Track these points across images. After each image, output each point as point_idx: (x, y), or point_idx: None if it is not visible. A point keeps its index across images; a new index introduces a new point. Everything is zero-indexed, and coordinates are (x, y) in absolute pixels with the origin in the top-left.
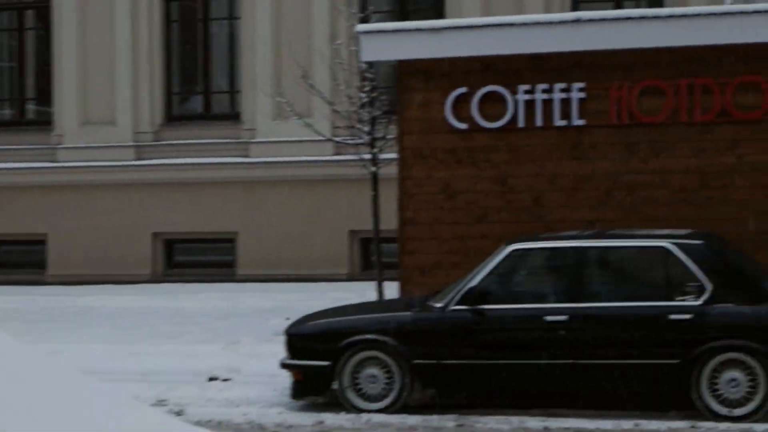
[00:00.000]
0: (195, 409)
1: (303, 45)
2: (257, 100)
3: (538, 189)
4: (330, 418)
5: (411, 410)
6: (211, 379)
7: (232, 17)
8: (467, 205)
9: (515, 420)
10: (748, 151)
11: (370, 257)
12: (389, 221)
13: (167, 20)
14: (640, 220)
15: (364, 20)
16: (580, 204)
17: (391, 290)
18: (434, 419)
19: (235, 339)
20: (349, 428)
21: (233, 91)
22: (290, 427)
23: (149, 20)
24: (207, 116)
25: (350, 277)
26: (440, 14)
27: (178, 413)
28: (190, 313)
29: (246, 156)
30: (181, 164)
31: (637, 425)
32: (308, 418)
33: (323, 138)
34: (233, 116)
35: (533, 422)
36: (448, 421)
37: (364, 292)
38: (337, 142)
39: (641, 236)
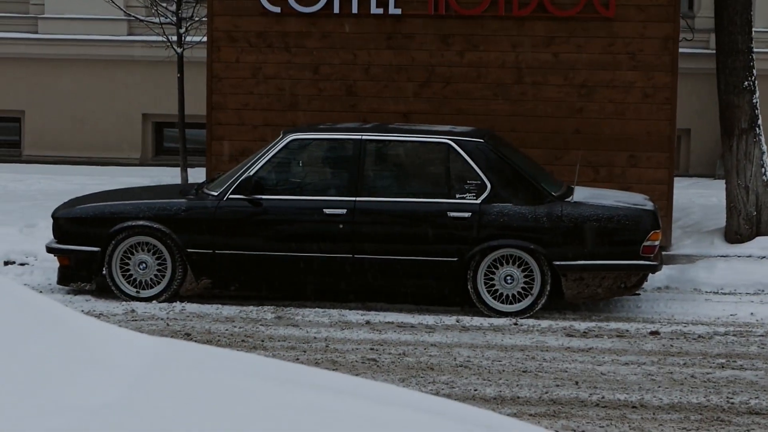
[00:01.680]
0: None
1: None
2: None
3: (351, 78)
4: (141, 307)
5: (224, 300)
6: (7, 263)
7: None
8: (278, 92)
9: (335, 313)
10: (563, 49)
11: (163, 142)
12: (191, 106)
13: None
14: (454, 114)
15: None
16: (394, 95)
17: (197, 177)
18: (251, 311)
19: (31, 222)
20: (162, 317)
21: None
22: (101, 315)
23: None
24: None
25: (143, 162)
26: None
27: None
28: None
29: (34, 32)
30: None
31: (458, 321)
32: (119, 307)
33: (120, 17)
34: None
35: (354, 316)
36: (267, 313)
37: (157, 177)
38: (141, 20)
39: (423, 132)
